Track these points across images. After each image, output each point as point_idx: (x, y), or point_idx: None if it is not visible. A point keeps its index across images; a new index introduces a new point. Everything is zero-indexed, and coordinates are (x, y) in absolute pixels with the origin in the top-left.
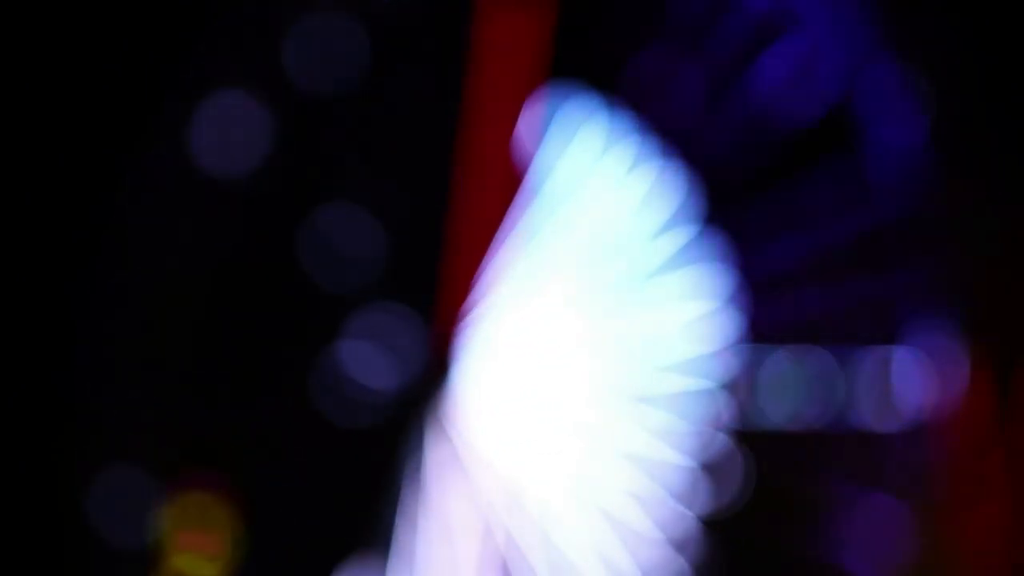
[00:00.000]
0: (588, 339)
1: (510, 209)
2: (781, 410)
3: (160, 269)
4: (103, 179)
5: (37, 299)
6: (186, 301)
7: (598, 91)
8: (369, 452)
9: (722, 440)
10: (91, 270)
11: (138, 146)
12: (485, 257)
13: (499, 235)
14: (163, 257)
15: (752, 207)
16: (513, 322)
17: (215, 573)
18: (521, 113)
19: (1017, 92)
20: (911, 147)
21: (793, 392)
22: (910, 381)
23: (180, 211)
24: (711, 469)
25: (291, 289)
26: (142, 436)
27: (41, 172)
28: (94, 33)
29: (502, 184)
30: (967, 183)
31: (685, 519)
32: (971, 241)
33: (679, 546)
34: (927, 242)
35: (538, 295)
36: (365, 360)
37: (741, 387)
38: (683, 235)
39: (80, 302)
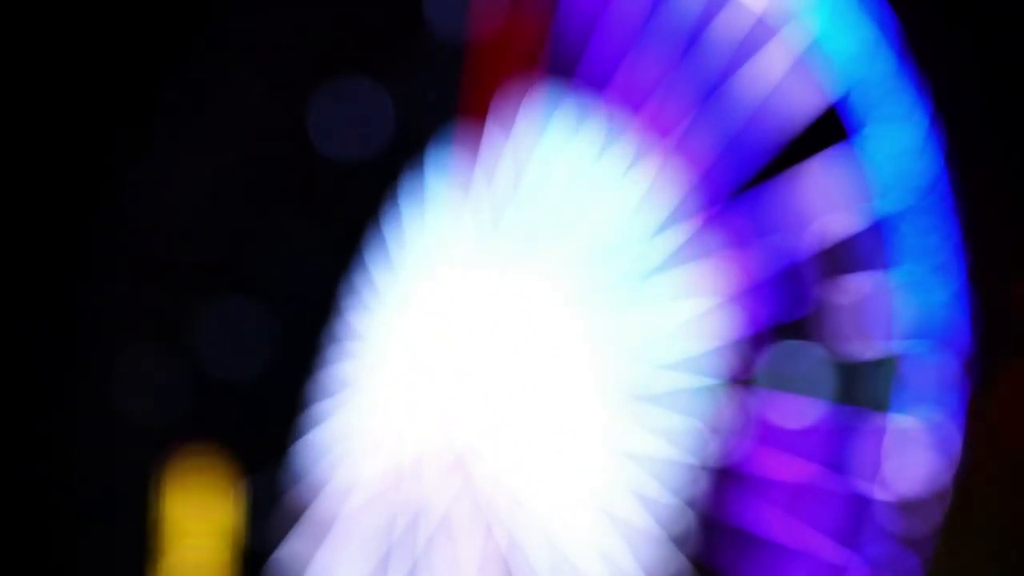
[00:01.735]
0: (588, 337)
1: (508, 207)
2: (780, 407)
3: (158, 267)
4: (103, 179)
5: (37, 299)
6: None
7: (595, 90)
8: None
9: (722, 437)
10: (91, 270)
11: (138, 146)
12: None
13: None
14: (162, 253)
15: (750, 205)
16: (511, 319)
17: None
18: (518, 111)
19: (1017, 92)
20: (911, 146)
21: (792, 389)
22: (910, 378)
23: (178, 210)
24: (711, 465)
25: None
26: (141, 433)
27: (41, 172)
28: (94, 33)
29: (501, 181)
30: (968, 182)
31: (686, 515)
32: (972, 239)
33: (679, 543)
34: (927, 240)
35: (538, 294)
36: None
37: (740, 385)
38: (681, 233)
39: (80, 302)
